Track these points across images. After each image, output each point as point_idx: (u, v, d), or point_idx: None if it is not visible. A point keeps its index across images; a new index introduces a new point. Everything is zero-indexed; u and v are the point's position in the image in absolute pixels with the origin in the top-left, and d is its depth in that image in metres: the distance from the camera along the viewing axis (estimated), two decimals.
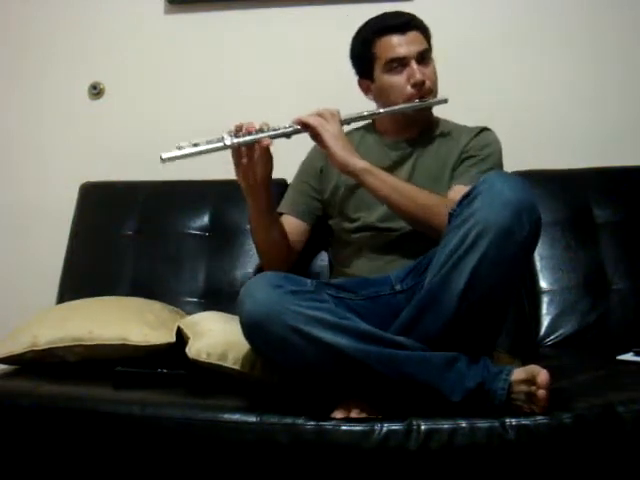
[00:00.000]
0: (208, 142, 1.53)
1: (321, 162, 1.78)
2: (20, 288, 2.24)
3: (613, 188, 1.95)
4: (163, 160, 1.49)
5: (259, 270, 1.80)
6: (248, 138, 1.54)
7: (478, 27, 2.16)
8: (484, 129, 1.74)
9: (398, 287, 1.55)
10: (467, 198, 1.35)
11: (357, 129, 1.81)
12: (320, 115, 1.60)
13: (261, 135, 1.55)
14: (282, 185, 1.90)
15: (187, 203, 2.06)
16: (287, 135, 1.58)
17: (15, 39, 2.30)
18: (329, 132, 1.58)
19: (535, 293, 1.85)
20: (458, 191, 1.59)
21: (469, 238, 1.29)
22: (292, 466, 1.27)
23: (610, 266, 1.85)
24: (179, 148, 1.51)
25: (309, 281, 1.46)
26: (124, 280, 1.96)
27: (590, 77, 2.14)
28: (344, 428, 1.26)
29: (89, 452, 1.34)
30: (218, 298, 1.90)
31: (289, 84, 2.17)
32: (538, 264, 1.85)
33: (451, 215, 1.38)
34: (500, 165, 1.70)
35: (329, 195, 1.77)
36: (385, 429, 1.25)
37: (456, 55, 2.12)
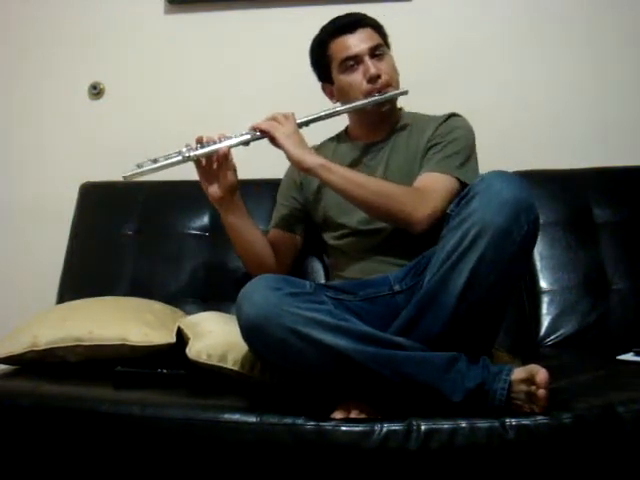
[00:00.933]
0: (166, 157, 1.59)
1: (299, 177, 1.80)
2: (20, 288, 2.24)
3: (613, 188, 1.95)
4: (125, 178, 1.59)
5: None
6: (205, 150, 1.59)
7: (477, 27, 2.16)
8: (451, 115, 1.72)
9: (397, 287, 1.55)
10: (465, 198, 1.35)
11: (331, 139, 1.83)
12: (273, 119, 1.63)
13: (218, 145, 1.59)
14: (277, 186, 1.90)
15: (187, 203, 2.05)
16: (245, 143, 1.63)
17: (15, 39, 2.30)
18: (283, 133, 1.60)
19: (535, 293, 1.85)
20: (424, 178, 1.61)
21: (467, 238, 1.29)
22: (292, 466, 1.27)
23: (610, 266, 1.85)
24: (139, 166, 1.58)
25: (308, 283, 1.45)
26: (124, 280, 1.96)
27: (590, 77, 2.14)
28: (344, 428, 1.26)
29: (89, 452, 1.34)
30: (218, 298, 1.90)
31: (289, 84, 2.17)
32: (538, 264, 1.85)
33: (449, 215, 1.39)
34: (469, 148, 1.66)
35: (311, 207, 1.78)
36: (385, 429, 1.25)
37: (455, 55, 2.12)
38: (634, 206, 1.91)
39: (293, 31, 2.20)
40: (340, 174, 1.58)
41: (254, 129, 1.63)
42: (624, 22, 2.13)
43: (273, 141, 1.62)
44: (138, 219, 2.04)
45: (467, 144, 1.66)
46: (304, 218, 1.80)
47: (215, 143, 1.60)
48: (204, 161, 1.61)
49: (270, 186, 1.94)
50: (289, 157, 1.60)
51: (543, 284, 1.85)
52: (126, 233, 2.03)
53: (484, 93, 2.14)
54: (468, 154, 1.65)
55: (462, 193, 1.38)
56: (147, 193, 2.07)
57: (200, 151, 1.59)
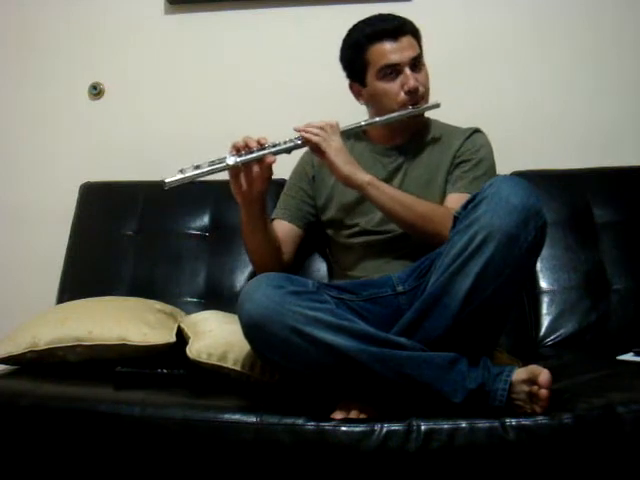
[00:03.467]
0: (210, 163, 1.53)
1: (313, 170, 1.79)
2: (20, 288, 2.24)
3: (613, 188, 1.95)
4: (166, 185, 1.50)
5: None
6: (250, 156, 1.54)
7: (478, 27, 2.16)
8: (475, 131, 1.74)
9: (400, 288, 1.55)
10: (473, 202, 1.35)
11: (347, 136, 1.81)
12: (322, 129, 1.60)
13: (263, 152, 1.54)
14: (282, 185, 1.90)
15: (187, 203, 2.05)
16: (288, 150, 1.59)
17: (16, 40, 2.30)
18: (332, 147, 1.58)
19: (535, 293, 1.85)
20: (454, 199, 1.61)
21: (474, 242, 1.29)
22: (292, 466, 1.27)
23: (610, 266, 1.85)
24: (182, 171, 1.51)
25: (310, 282, 1.45)
26: (124, 280, 1.96)
27: (590, 77, 2.14)
28: (344, 429, 1.26)
29: (89, 452, 1.34)
30: (218, 298, 1.90)
31: (289, 84, 2.18)
32: (538, 264, 1.84)
33: (456, 219, 1.38)
34: (493, 167, 1.71)
35: (323, 203, 1.78)
36: (385, 429, 1.25)
37: (456, 55, 2.13)
38: (634, 206, 1.90)
39: (293, 31, 2.21)
40: (388, 194, 1.58)
41: (301, 139, 1.59)
42: (624, 23, 2.13)
43: (319, 153, 1.59)
44: (138, 219, 2.04)
45: (492, 164, 1.70)
46: (310, 212, 1.80)
47: (257, 149, 1.54)
48: (242, 167, 1.55)
49: (271, 186, 1.93)
50: (338, 173, 1.58)
51: (543, 284, 1.85)
52: (126, 233, 2.03)
53: (484, 93, 2.14)
54: (493, 174, 1.68)
55: (470, 197, 1.38)
56: (147, 193, 2.07)
57: (246, 157, 1.53)
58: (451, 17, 2.16)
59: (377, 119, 1.70)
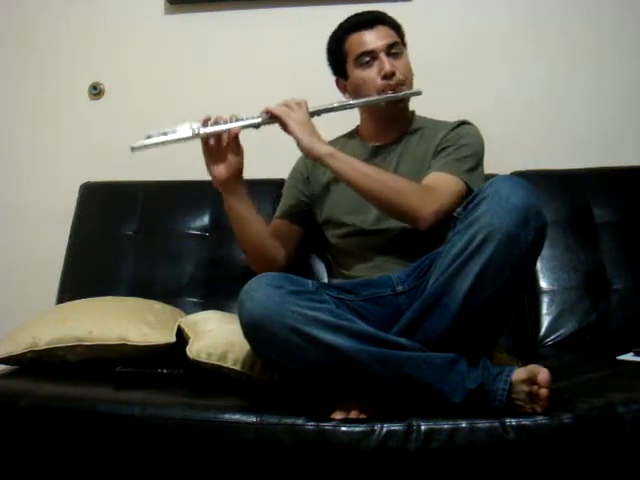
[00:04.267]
0: (177, 131, 1.55)
1: (307, 171, 1.80)
2: (20, 288, 2.24)
3: (613, 188, 1.95)
4: (132, 149, 1.53)
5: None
6: (217, 128, 1.57)
7: (476, 27, 2.16)
8: (462, 122, 1.72)
9: (399, 288, 1.54)
10: (473, 201, 1.35)
11: (342, 136, 1.82)
12: (286, 105, 1.62)
13: (229, 125, 1.57)
14: (281, 185, 1.90)
15: (187, 203, 2.06)
16: (255, 125, 1.61)
17: (16, 40, 2.30)
18: (294, 120, 1.59)
19: (535, 293, 1.85)
20: (433, 177, 1.60)
21: (474, 242, 1.29)
22: (292, 466, 1.27)
23: (610, 266, 1.85)
24: (148, 137, 1.54)
25: (310, 282, 1.45)
26: (124, 280, 1.96)
27: (589, 76, 2.14)
28: (344, 428, 1.26)
29: (89, 452, 1.34)
30: (218, 298, 1.90)
31: (290, 84, 2.17)
32: (538, 264, 1.84)
33: (456, 219, 1.38)
34: (478, 155, 1.66)
35: (318, 203, 1.78)
36: (385, 429, 1.25)
37: (455, 55, 2.13)
38: (634, 206, 1.90)
39: (293, 31, 2.21)
40: (349, 164, 1.57)
41: (266, 112, 1.60)
42: (624, 22, 2.13)
43: (284, 127, 1.60)
44: (138, 219, 2.04)
45: (477, 151, 1.67)
46: (308, 211, 1.80)
47: (226, 122, 1.57)
48: (213, 140, 1.58)
49: (271, 186, 1.94)
50: (299, 144, 1.59)
51: (543, 284, 1.85)
52: (126, 233, 2.03)
53: (484, 93, 2.14)
54: (477, 161, 1.65)
55: (470, 197, 1.38)
56: (147, 193, 2.08)
57: (211, 129, 1.56)
58: (450, 17, 2.16)
59: (351, 102, 1.71)
